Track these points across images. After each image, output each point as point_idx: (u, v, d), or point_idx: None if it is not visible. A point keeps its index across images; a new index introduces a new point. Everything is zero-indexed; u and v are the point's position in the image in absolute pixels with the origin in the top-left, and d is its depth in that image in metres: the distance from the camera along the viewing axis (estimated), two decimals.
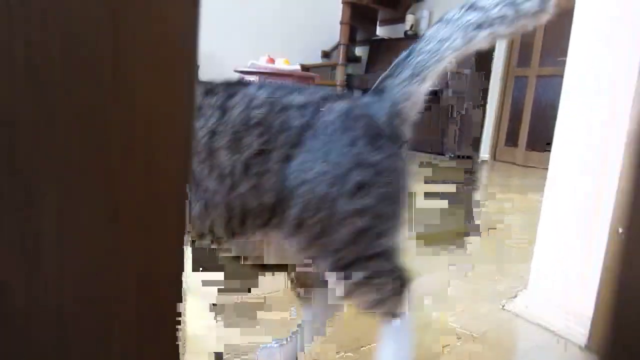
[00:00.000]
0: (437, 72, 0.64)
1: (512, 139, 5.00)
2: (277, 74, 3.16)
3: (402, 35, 5.52)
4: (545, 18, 0.65)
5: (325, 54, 5.83)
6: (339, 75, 5.15)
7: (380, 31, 5.91)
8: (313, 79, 3.36)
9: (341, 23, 5.07)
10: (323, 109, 0.60)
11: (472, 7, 0.64)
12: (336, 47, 5.38)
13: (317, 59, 5.94)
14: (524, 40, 4.84)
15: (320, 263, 0.59)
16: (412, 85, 0.63)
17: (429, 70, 0.63)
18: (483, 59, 5.08)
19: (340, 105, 0.61)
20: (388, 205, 0.61)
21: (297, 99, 0.61)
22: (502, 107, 5.16)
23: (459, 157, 5.22)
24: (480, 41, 0.63)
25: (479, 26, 0.63)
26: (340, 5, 5.02)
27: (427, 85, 0.64)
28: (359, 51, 5.81)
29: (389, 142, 0.62)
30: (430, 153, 5.54)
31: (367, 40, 5.70)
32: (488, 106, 5.23)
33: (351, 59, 5.48)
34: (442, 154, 5.37)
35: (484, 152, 5.32)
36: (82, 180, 0.24)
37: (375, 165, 0.59)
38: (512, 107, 5.05)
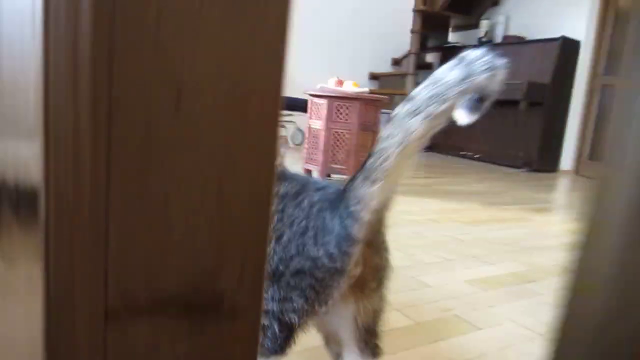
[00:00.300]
0: (390, 170, 0.65)
1: (596, 153, 4.67)
2: (346, 97, 3.15)
3: (475, 42, 5.29)
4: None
5: (396, 62, 5.73)
6: (410, 84, 5.06)
7: (453, 37, 5.69)
8: (381, 101, 3.31)
9: (412, 31, 4.95)
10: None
11: (408, 99, 0.66)
12: (406, 56, 5.27)
13: (387, 67, 5.86)
14: (612, 46, 4.49)
15: None
16: (363, 187, 0.66)
17: (377, 171, 0.65)
18: (564, 67, 4.77)
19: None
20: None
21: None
22: (586, 118, 4.83)
23: (535, 170, 4.96)
24: (418, 130, 0.64)
25: (412, 113, 0.64)
26: (412, 14, 4.90)
27: (379, 185, 0.65)
28: (430, 57, 5.65)
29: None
30: (504, 165, 5.32)
31: (439, 46, 5.52)
32: (570, 117, 4.92)
33: (422, 66, 5.35)
34: (518, 167, 5.14)
35: (565, 165, 5.02)
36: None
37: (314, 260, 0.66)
38: (598, 118, 4.71)
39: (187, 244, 0.24)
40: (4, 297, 0.28)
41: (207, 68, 0.23)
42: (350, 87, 3.29)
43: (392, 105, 6.37)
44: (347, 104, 3.14)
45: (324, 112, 3.16)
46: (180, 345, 0.23)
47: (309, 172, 3.39)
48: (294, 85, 5.57)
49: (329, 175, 3.35)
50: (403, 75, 5.37)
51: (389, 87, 6.10)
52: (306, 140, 3.36)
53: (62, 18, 0.20)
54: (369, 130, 3.27)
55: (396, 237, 2.20)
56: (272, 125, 0.26)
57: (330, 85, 3.33)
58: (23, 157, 0.23)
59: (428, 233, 2.33)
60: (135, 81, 0.21)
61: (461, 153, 6.05)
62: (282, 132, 4.56)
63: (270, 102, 0.25)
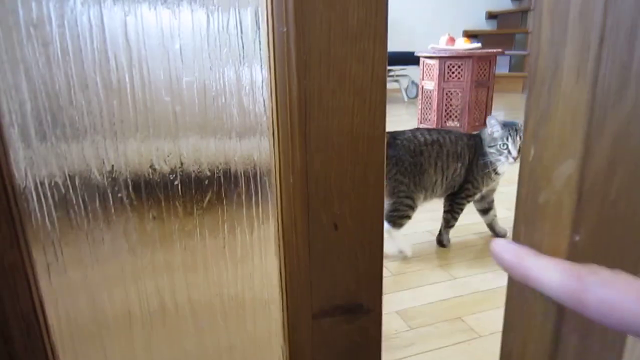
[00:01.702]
0: None
1: None
2: (457, 56, 3.20)
3: None
4: None
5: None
6: (532, 21, 4.82)
7: None
8: (495, 55, 3.29)
9: None
10: None
11: None
12: None
13: (507, 4, 5.58)
14: None
15: None
16: None
17: None
18: None
19: None
20: None
21: None
22: None
23: None
24: None
25: None
26: None
27: None
28: None
29: None
30: None
31: None
32: None
33: None
34: None
35: None
36: None
37: None
38: None
39: (344, 277, 0.49)
40: (236, 260, 0.56)
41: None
42: (461, 45, 3.31)
43: (512, 45, 6.07)
44: (459, 63, 3.19)
45: (435, 72, 3.25)
46: (342, 328, 0.49)
47: None
48: (405, 40, 5.58)
49: None
50: (524, 12, 5.10)
51: (509, 26, 5.82)
52: (419, 100, 3.48)
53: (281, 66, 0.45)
54: (484, 86, 3.29)
55: (509, 197, 2.31)
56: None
57: (441, 44, 3.38)
58: (252, 150, 0.47)
59: None
60: (315, 95, 0.46)
61: None
62: (396, 86, 4.66)
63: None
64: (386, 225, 1.70)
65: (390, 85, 5.93)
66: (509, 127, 1.62)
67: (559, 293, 0.25)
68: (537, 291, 0.32)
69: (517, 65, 6.24)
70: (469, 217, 1.95)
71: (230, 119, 0.44)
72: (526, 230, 0.32)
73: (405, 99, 5.48)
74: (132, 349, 0.47)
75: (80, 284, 0.43)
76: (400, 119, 4.47)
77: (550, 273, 0.26)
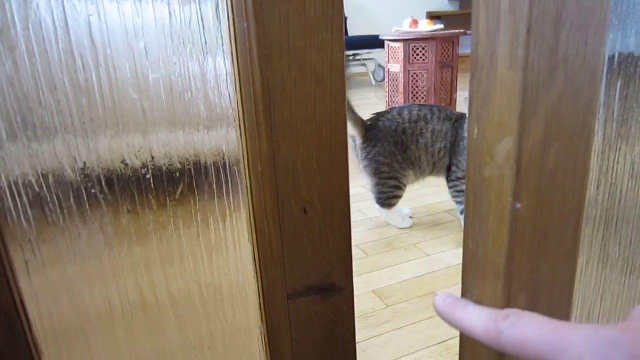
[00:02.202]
0: None
1: None
2: (421, 38, 3.24)
3: None
4: None
5: None
6: None
7: None
8: (458, 37, 3.34)
9: None
10: None
11: None
12: None
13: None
14: None
15: None
16: None
17: None
18: None
19: None
20: None
21: None
22: None
23: None
24: None
25: None
26: None
27: None
28: None
29: None
30: None
31: None
32: None
33: None
34: None
35: None
36: None
37: None
38: None
39: (316, 258, 0.51)
40: (214, 252, 0.58)
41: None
42: (425, 27, 3.35)
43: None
44: (423, 45, 3.24)
45: (400, 55, 3.29)
46: (317, 308, 0.52)
47: None
48: (370, 24, 5.59)
49: None
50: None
51: (472, 6, 5.90)
52: (386, 84, 3.52)
53: (246, 59, 0.47)
54: (448, 67, 3.35)
55: None
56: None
57: (405, 27, 3.41)
58: (220, 141, 0.50)
59: None
60: (278, 85, 0.48)
61: None
62: (364, 69, 4.69)
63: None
64: (378, 207, 1.73)
65: (357, 69, 5.95)
66: None
67: (483, 339, 0.30)
68: (488, 259, 0.35)
69: None
70: (440, 197, 2.01)
71: (197, 113, 0.46)
72: (475, 201, 0.35)
73: (373, 82, 5.52)
74: (114, 340, 0.48)
75: (59, 279, 0.45)
76: (369, 102, 4.50)
77: (475, 322, 0.31)
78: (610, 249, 0.43)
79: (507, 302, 0.35)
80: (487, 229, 0.35)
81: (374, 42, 4.82)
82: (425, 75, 3.29)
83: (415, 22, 3.39)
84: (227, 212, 0.49)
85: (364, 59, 5.57)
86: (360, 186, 2.12)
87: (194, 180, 0.47)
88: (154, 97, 0.43)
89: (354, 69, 5.94)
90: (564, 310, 0.41)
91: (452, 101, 3.45)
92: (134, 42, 0.41)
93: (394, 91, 3.46)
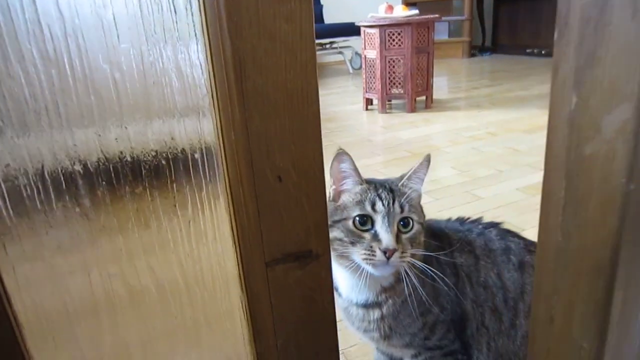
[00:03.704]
0: None
1: None
2: (397, 24, 3.25)
3: None
4: None
5: None
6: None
7: None
8: (432, 21, 3.36)
9: None
10: None
11: None
12: None
13: None
14: None
15: None
16: None
17: None
18: None
19: None
20: None
21: None
22: None
23: None
24: None
25: None
26: None
27: None
28: None
29: None
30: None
31: None
32: None
33: None
34: None
35: None
36: None
37: None
38: None
39: (293, 225, 0.52)
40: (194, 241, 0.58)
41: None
42: (400, 12, 3.36)
43: (450, 12, 6.18)
44: (399, 30, 3.25)
45: (376, 41, 3.29)
46: (295, 274, 0.53)
47: (369, 101, 3.58)
48: (346, 11, 5.57)
49: (389, 101, 3.54)
50: None
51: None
52: (363, 70, 3.53)
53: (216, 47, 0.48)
54: (424, 52, 3.37)
55: (455, 156, 2.42)
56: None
57: (380, 13, 3.42)
58: (193, 111, 0.50)
59: (485, 147, 2.51)
60: (249, 54, 0.49)
61: (527, 51, 5.88)
62: (341, 57, 4.67)
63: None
64: None
65: (334, 58, 5.94)
66: (376, 185, 0.77)
67: None
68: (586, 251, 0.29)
69: (456, 31, 6.38)
70: None
71: (169, 84, 0.46)
72: (569, 185, 0.30)
73: (351, 70, 5.53)
74: (97, 312, 0.49)
75: (41, 267, 0.45)
76: (347, 89, 4.52)
77: None
78: None
79: (609, 302, 0.30)
80: (586, 217, 0.29)
81: (350, 30, 4.82)
82: (402, 61, 3.31)
83: (390, 8, 3.40)
84: (203, 182, 0.50)
85: (341, 47, 5.57)
86: None
87: (168, 152, 0.47)
88: (125, 67, 0.43)
89: (331, 57, 5.94)
90: None
91: (428, 86, 3.48)
92: (102, 11, 0.41)
93: (371, 77, 3.47)
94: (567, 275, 0.32)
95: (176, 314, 0.52)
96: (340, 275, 0.79)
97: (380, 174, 2.16)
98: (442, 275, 0.72)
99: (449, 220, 0.90)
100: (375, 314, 0.77)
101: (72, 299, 0.47)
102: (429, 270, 0.72)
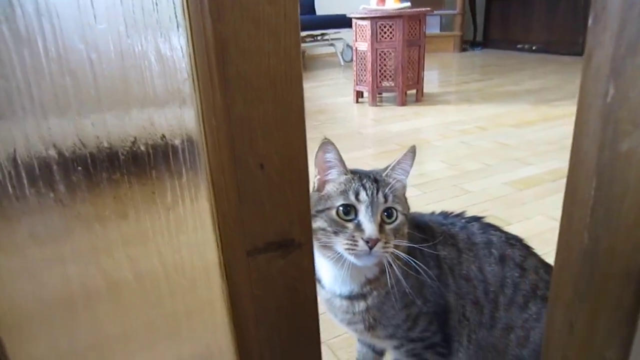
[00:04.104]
0: None
1: None
2: (388, 16, 3.23)
3: None
4: None
5: None
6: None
7: None
8: (424, 14, 3.35)
9: None
10: None
11: None
12: None
13: None
14: None
15: None
16: None
17: None
18: None
19: None
20: None
21: None
22: None
23: None
24: None
25: None
26: None
27: None
28: None
29: None
30: (563, 54, 5.16)
31: None
32: None
33: None
34: (578, 54, 4.98)
35: None
36: None
37: None
38: None
39: (275, 214, 0.51)
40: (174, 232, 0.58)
41: None
42: (391, 4, 3.35)
43: (442, 5, 6.18)
44: (390, 23, 3.24)
45: (368, 33, 3.28)
46: (277, 264, 0.52)
47: (360, 93, 3.57)
48: (338, 3, 5.54)
49: (380, 94, 3.53)
50: None
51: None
52: (354, 62, 3.51)
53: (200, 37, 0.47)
54: (415, 45, 3.36)
55: (444, 150, 2.42)
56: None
57: (372, 5, 3.40)
58: (174, 95, 0.49)
59: (474, 142, 2.52)
60: (231, 38, 0.48)
61: (518, 46, 5.89)
62: (332, 50, 4.67)
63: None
64: None
65: (326, 50, 5.92)
66: (360, 176, 0.76)
67: None
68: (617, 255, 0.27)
69: (447, 25, 6.38)
70: None
71: (148, 67, 0.45)
72: (599, 183, 0.28)
73: (342, 62, 5.51)
74: (74, 301, 0.48)
75: (14, 257, 0.44)
76: (338, 82, 4.50)
77: None
78: None
79: (637, 310, 0.28)
80: (618, 218, 0.28)
81: (342, 21, 4.79)
82: (393, 54, 3.30)
83: (382, 0, 3.38)
84: (183, 169, 0.48)
85: (332, 39, 5.54)
86: None
87: (146, 137, 0.46)
88: (102, 49, 0.42)
89: (322, 49, 5.91)
90: None
91: (419, 80, 3.48)
92: None
93: (361, 69, 3.46)
94: (593, 281, 0.30)
95: (155, 303, 0.51)
96: (324, 267, 0.79)
97: (369, 167, 2.16)
98: (425, 267, 0.72)
99: (432, 213, 0.90)
100: (360, 305, 0.77)
101: (47, 289, 0.46)
102: (412, 262, 0.71)
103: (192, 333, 0.56)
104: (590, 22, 0.25)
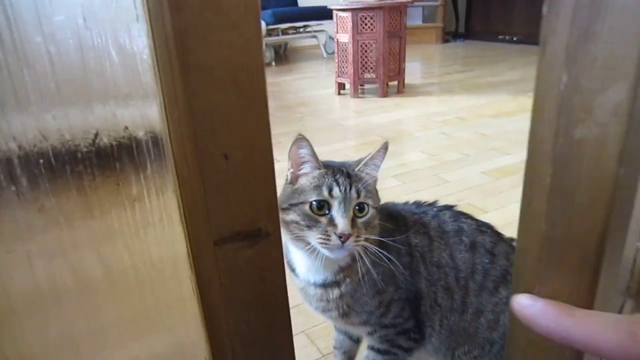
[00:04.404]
0: None
1: None
2: (369, 8, 3.23)
3: None
4: None
5: None
6: None
7: None
8: (405, 6, 3.36)
9: None
10: None
11: None
12: None
13: None
14: None
15: None
16: None
17: None
18: None
19: None
20: None
21: None
22: None
23: None
24: None
25: None
26: None
27: None
28: None
29: None
30: None
31: None
32: None
33: None
34: None
35: None
36: None
37: None
38: None
39: (241, 204, 0.52)
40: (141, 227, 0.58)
41: None
42: None
43: None
44: (371, 14, 3.24)
45: (349, 25, 3.28)
46: (244, 254, 0.53)
47: (341, 85, 3.58)
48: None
49: (361, 86, 3.54)
50: None
51: None
52: (335, 54, 3.51)
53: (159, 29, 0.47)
54: (396, 36, 3.37)
55: (425, 141, 2.44)
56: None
57: None
58: (135, 88, 0.49)
59: (455, 132, 2.54)
60: (191, 29, 0.48)
61: (499, 37, 5.94)
62: (315, 42, 4.66)
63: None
64: None
65: (308, 42, 5.90)
66: (333, 170, 0.78)
67: (615, 355, 0.22)
68: (573, 240, 0.27)
69: (429, 16, 6.40)
70: None
71: (109, 59, 0.45)
72: (555, 171, 0.28)
73: (325, 54, 5.50)
74: (42, 297, 0.48)
75: None
76: (320, 74, 4.50)
77: (599, 335, 0.23)
78: None
79: (593, 292, 0.30)
80: (572, 204, 0.28)
81: (324, 13, 4.78)
82: (374, 45, 3.31)
83: None
84: (147, 160, 0.49)
85: (315, 31, 5.53)
86: None
87: (109, 129, 0.46)
88: (60, 41, 0.42)
89: (305, 41, 5.89)
90: None
91: (400, 71, 3.49)
92: None
93: (343, 61, 3.46)
94: (551, 265, 0.30)
95: (124, 296, 0.52)
96: (297, 257, 0.80)
97: (350, 159, 2.17)
98: (395, 256, 0.74)
99: (406, 203, 0.91)
100: (335, 293, 0.78)
101: (10, 285, 0.46)
102: (381, 253, 0.73)
103: (163, 325, 0.56)
104: (544, 10, 0.26)
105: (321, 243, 0.71)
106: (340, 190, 0.73)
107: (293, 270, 0.82)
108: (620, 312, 0.49)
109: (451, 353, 0.83)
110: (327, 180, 0.74)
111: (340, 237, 0.70)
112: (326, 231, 0.71)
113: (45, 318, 0.48)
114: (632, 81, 0.23)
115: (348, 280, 0.77)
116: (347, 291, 0.78)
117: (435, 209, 0.86)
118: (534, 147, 0.29)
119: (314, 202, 0.72)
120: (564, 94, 0.26)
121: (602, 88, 0.25)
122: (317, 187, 0.73)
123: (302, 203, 0.73)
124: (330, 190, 0.73)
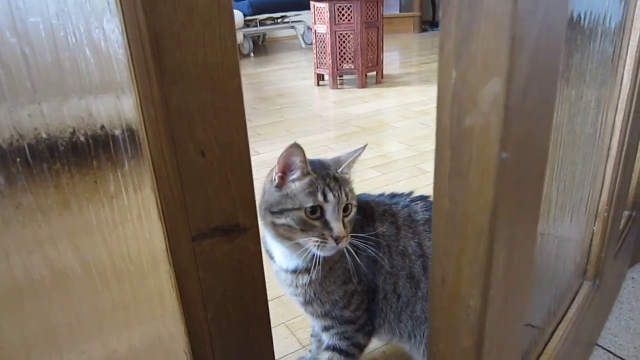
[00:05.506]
0: None
1: None
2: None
3: None
4: None
5: None
6: None
7: None
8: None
9: None
10: None
11: None
12: None
13: None
14: None
15: None
16: None
17: None
18: None
19: None
20: None
21: None
22: None
23: None
24: None
25: None
26: None
27: None
28: None
29: None
30: None
31: None
32: None
33: None
34: None
35: None
36: None
37: None
38: None
39: (219, 200, 0.53)
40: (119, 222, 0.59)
41: None
42: None
43: None
44: (348, 5, 3.24)
45: (326, 15, 3.28)
46: (223, 248, 0.54)
47: (320, 76, 3.58)
48: None
49: (340, 76, 3.54)
50: None
51: None
52: (314, 46, 3.51)
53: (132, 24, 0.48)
54: (373, 27, 3.38)
55: (404, 131, 2.46)
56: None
57: None
58: (111, 87, 0.49)
59: (432, 122, 2.57)
60: (166, 29, 0.49)
61: None
62: (293, 32, 4.63)
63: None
64: None
65: (286, 32, 5.87)
66: (322, 175, 0.79)
67: None
68: (470, 217, 0.31)
69: (407, 5, 6.41)
70: None
71: (84, 59, 0.45)
72: (453, 155, 0.32)
73: (303, 45, 5.48)
74: (20, 294, 0.48)
75: None
76: (299, 65, 4.49)
77: None
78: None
79: (490, 262, 0.33)
80: (467, 185, 0.32)
81: (302, 3, 4.76)
82: (352, 36, 3.31)
83: None
84: (125, 158, 0.49)
85: (293, 22, 5.50)
86: None
87: (85, 128, 0.47)
88: (35, 42, 0.42)
89: (283, 32, 5.86)
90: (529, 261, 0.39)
91: (379, 61, 3.51)
92: None
93: (321, 52, 3.46)
94: (455, 239, 0.34)
95: (103, 292, 0.52)
96: (275, 246, 0.83)
97: (330, 150, 2.18)
98: (362, 248, 0.79)
99: (381, 194, 0.94)
100: (304, 279, 0.81)
101: None
102: (356, 244, 0.78)
103: (142, 319, 0.57)
104: (440, 14, 0.29)
105: (317, 246, 0.75)
106: (334, 196, 0.76)
107: (271, 255, 0.87)
108: (576, 294, 0.52)
109: (413, 334, 0.87)
110: (319, 186, 0.77)
111: (336, 239, 0.75)
112: (323, 234, 0.75)
113: (23, 312, 0.49)
114: (505, 76, 0.27)
115: (319, 267, 0.81)
116: (317, 278, 0.82)
117: (408, 200, 0.89)
118: (439, 134, 0.33)
119: (309, 208, 0.76)
120: (454, 87, 0.30)
121: (482, 82, 0.28)
122: (312, 194, 0.76)
123: (297, 209, 0.76)
124: (325, 196, 0.76)
